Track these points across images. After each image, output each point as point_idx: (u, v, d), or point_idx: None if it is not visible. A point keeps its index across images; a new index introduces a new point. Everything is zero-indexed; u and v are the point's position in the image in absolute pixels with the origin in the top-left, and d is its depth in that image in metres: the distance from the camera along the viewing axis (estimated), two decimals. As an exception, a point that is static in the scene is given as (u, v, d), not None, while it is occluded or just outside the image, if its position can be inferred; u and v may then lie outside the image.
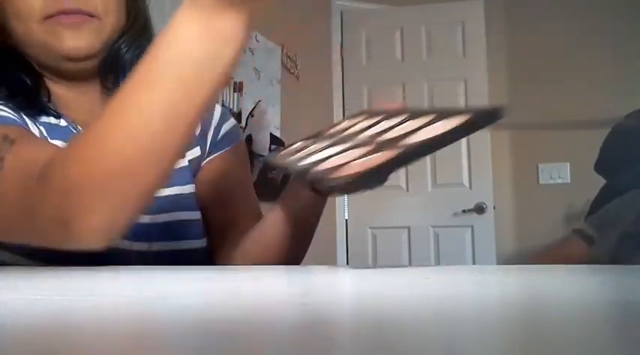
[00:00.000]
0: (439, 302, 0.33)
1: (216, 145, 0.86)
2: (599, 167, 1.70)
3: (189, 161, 0.83)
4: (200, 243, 0.83)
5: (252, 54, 2.80)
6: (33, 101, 0.75)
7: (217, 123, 0.87)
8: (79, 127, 0.78)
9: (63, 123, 0.77)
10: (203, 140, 0.85)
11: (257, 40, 2.84)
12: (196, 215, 0.83)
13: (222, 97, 2.58)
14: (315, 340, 0.21)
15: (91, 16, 0.72)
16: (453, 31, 3.34)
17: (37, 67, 0.77)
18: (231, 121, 0.89)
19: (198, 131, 0.85)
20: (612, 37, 3.23)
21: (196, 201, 0.84)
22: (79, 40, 0.72)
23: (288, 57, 3.10)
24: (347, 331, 0.24)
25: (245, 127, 2.68)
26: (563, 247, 1.25)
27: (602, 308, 0.29)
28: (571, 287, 0.41)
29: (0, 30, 0.75)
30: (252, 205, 0.88)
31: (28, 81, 0.76)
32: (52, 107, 0.77)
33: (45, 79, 0.78)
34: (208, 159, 0.85)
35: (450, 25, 3.34)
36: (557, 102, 3.29)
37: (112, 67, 0.78)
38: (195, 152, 0.84)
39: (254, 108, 2.79)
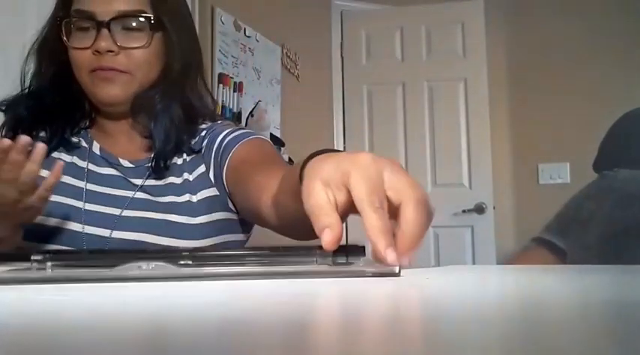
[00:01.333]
0: (440, 302, 0.33)
1: (224, 152, 0.95)
2: (598, 166, 1.70)
3: (192, 178, 0.96)
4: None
5: (252, 54, 2.80)
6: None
7: (221, 138, 0.97)
8: (98, 149, 1.00)
9: (83, 144, 1.00)
10: (206, 158, 0.97)
11: (257, 40, 2.84)
12: (181, 219, 0.93)
13: (223, 97, 2.58)
14: (313, 340, 0.21)
15: (122, 71, 0.93)
16: (453, 31, 3.34)
17: (87, 102, 1.01)
18: (240, 130, 0.99)
19: (202, 148, 0.98)
20: (612, 36, 3.23)
21: (218, 203, 0.95)
22: (110, 90, 0.93)
23: (288, 57, 3.10)
24: (346, 330, 0.24)
25: (245, 127, 2.68)
26: (524, 257, 1.12)
27: (602, 308, 0.29)
28: (571, 287, 0.41)
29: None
30: (275, 177, 0.83)
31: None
32: (85, 135, 1.01)
33: (95, 112, 1.02)
34: (227, 162, 0.94)
35: (450, 25, 3.34)
36: (557, 102, 3.30)
37: (142, 110, 0.97)
38: (200, 169, 0.97)
39: (254, 108, 2.79)
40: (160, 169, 0.96)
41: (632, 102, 1.78)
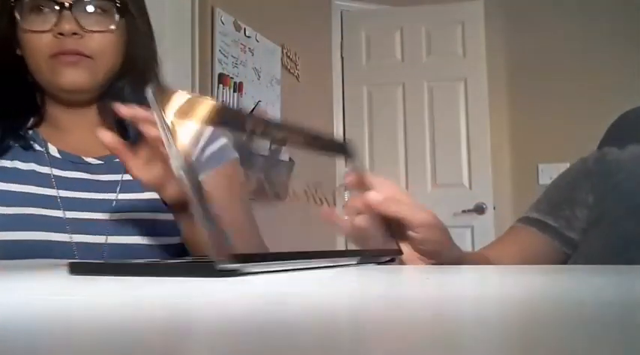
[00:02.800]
0: (439, 302, 0.33)
1: (201, 166, 0.88)
2: None
3: None
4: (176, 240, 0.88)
5: (252, 54, 2.80)
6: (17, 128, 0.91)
7: (202, 146, 0.90)
8: (57, 151, 0.91)
9: (37, 147, 0.91)
10: None
11: (257, 40, 2.84)
12: (167, 216, 0.86)
13: (223, 97, 2.58)
14: (313, 340, 0.21)
15: (87, 56, 0.86)
16: (453, 31, 3.34)
17: (38, 94, 0.93)
18: (218, 143, 0.91)
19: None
20: (612, 36, 3.23)
21: None
22: (73, 77, 0.87)
23: (288, 57, 3.10)
24: (346, 330, 0.24)
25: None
26: (512, 238, 0.96)
27: (602, 308, 0.29)
28: (571, 287, 0.41)
29: (20, 62, 0.90)
30: (236, 220, 0.84)
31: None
32: (35, 136, 0.92)
33: (48, 104, 0.94)
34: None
35: (450, 25, 3.34)
36: (557, 102, 3.30)
37: (111, 99, 0.88)
38: None
39: (254, 108, 2.79)
40: None
41: (632, 102, 1.78)
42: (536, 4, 3.40)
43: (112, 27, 0.88)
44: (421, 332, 0.23)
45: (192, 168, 0.47)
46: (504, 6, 3.43)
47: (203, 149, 0.90)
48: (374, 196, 0.66)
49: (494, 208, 3.26)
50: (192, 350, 0.20)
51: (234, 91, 2.67)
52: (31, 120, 0.93)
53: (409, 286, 0.45)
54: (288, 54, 3.10)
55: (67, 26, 0.84)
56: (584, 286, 0.41)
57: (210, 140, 0.91)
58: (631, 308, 0.29)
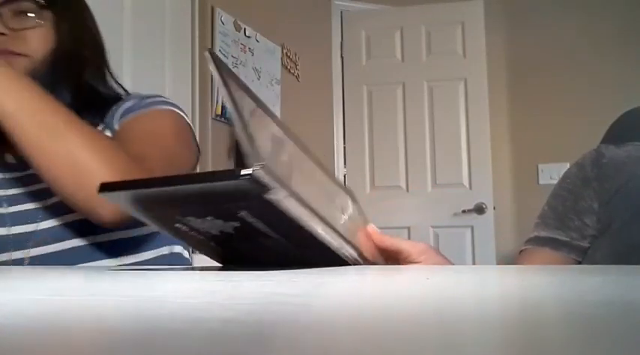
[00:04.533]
0: (439, 302, 0.33)
1: (115, 120, 0.90)
2: None
3: None
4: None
5: (252, 54, 2.80)
6: None
7: (114, 111, 0.91)
8: None
9: None
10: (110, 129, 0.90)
11: (257, 40, 2.84)
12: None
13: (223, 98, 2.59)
14: (313, 340, 0.21)
15: (20, 55, 0.86)
16: (453, 31, 3.34)
17: None
18: (130, 100, 0.92)
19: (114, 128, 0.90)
20: (612, 36, 3.23)
21: None
22: None
23: (288, 57, 3.10)
24: (346, 330, 0.24)
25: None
26: (523, 261, 0.92)
27: (602, 308, 0.29)
28: (571, 287, 0.41)
29: None
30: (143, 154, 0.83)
31: None
32: None
33: None
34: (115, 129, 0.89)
35: (450, 25, 3.34)
36: (557, 102, 3.30)
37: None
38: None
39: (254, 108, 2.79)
40: None
41: (632, 102, 1.78)
42: (536, 3, 3.40)
43: (36, 24, 0.88)
44: (421, 332, 0.23)
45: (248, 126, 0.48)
46: (504, 6, 3.43)
47: (115, 111, 0.90)
48: (372, 228, 0.70)
49: (494, 208, 3.26)
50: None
51: (234, 91, 2.67)
52: None
53: (411, 286, 0.45)
54: (288, 54, 3.10)
55: None
56: (584, 286, 0.41)
57: (122, 104, 0.91)
58: (631, 307, 0.29)
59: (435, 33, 3.37)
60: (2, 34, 0.85)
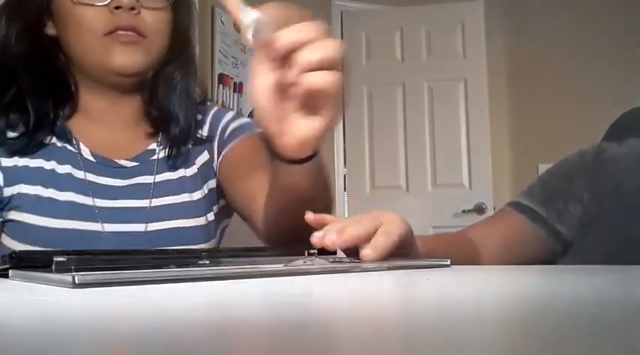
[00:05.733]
0: (439, 302, 0.33)
1: (225, 142, 0.90)
2: None
3: (198, 168, 0.89)
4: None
5: (253, 54, 2.80)
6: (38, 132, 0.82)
7: (223, 126, 0.91)
8: (89, 153, 0.84)
9: (69, 147, 0.84)
10: (210, 144, 0.91)
11: (257, 41, 2.84)
12: (198, 221, 0.86)
13: (223, 98, 2.59)
14: (313, 339, 0.21)
15: (143, 36, 0.80)
16: (453, 31, 3.34)
17: (71, 79, 0.85)
18: (243, 120, 0.93)
19: (205, 135, 0.91)
20: (612, 36, 3.23)
21: (220, 192, 0.90)
22: (130, 57, 0.80)
23: (288, 57, 3.09)
24: (347, 330, 0.24)
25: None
26: (500, 221, 0.93)
27: (602, 308, 0.29)
28: (571, 287, 0.41)
29: (52, 44, 0.83)
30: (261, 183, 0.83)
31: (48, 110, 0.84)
32: (66, 131, 0.84)
33: (82, 91, 0.86)
34: (223, 153, 0.89)
35: (450, 25, 3.34)
36: (556, 102, 3.30)
37: (160, 87, 0.86)
38: (204, 156, 0.90)
39: (254, 108, 2.79)
40: (175, 157, 0.85)
41: (632, 102, 1.78)
42: (536, 4, 3.40)
43: (166, 5, 0.82)
44: (421, 332, 0.23)
45: None
46: (504, 6, 3.43)
47: (226, 126, 0.91)
48: (329, 241, 0.58)
49: (494, 208, 3.25)
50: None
51: (234, 91, 2.67)
52: (66, 111, 0.85)
53: (411, 286, 0.45)
54: (288, 54, 3.09)
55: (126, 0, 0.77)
56: (584, 286, 0.41)
57: (234, 118, 0.92)
58: (631, 307, 0.29)
59: (434, 33, 3.37)
60: (133, 8, 0.78)
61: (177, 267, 0.51)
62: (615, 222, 0.87)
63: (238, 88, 2.69)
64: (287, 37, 0.54)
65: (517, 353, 0.19)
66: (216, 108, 0.95)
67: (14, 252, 0.49)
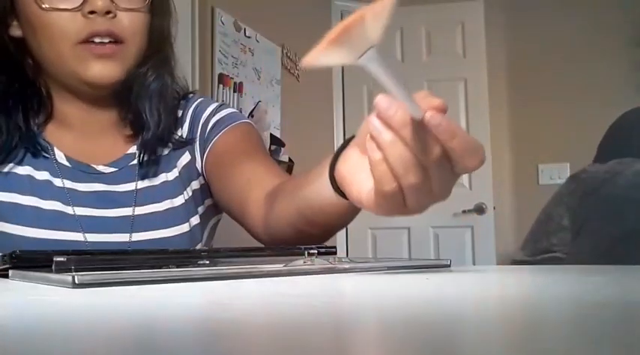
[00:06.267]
0: (439, 302, 0.33)
1: (207, 139, 0.86)
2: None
3: (179, 171, 0.85)
4: None
5: (252, 54, 2.80)
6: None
7: (204, 122, 0.87)
8: (64, 158, 0.80)
9: (44, 153, 0.79)
10: (191, 145, 0.86)
11: (257, 40, 2.84)
12: (182, 229, 0.82)
13: (223, 98, 2.58)
14: (313, 339, 0.21)
15: (120, 42, 0.74)
16: (453, 31, 3.34)
17: (43, 88, 0.81)
18: (224, 112, 0.88)
19: (185, 135, 0.86)
20: (612, 36, 3.23)
21: (207, 192, 0.86)
22: (105, 69, 0.74)
23: (288, 57, 3.10)
24: (346, 330, 0.24)
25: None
26: None
27: (602, 308, 0.29)
28: (571, 287, 0.41)
29: (25, 51, 0.78)
30: (264, 172, 0.79)
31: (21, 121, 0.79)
32: (40, 138, 0.80)
33: (57, 99, 0.81)
34: (207, 150, 0.85)
35: (450, 25, 3.34)
36: (557, 102, 3.29)
37: (135, 93, 0.81)
38: (185, 158, 0.86)
39: (254, 108, 2.79)
40: (151, 163, 0.81)
41: (632, 102, 1.78)
42: (536, 4, 3.40)
43: (143, 6, 0.77)
44: (421, 332, 0.23)
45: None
46: (504, 6, 3.43)
47: (208, 121, 0.86)
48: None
49: (494, 208, 3.26)
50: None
51: (234, 91, 2.67)
52: (39, 118, 0.81)
53: (411, 286, 0.45)
54: (288, 54, 3.09)
55: (100, 2, 0.72)
56: (584, 286, 0.41)
57: (215, 110, 0.87)
58: (631, 307, 0.29)
59: (435, 33, 3.37)
60: (108, 12, 0.73)
61: (177, 267, 0.51)
62: (598, 226, 0.93)
63: (238, 88, 2.69)
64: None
65: (517, 353, 0.19)
66: (198, 100, 0.89)
67: (14, 251, 0.49)
